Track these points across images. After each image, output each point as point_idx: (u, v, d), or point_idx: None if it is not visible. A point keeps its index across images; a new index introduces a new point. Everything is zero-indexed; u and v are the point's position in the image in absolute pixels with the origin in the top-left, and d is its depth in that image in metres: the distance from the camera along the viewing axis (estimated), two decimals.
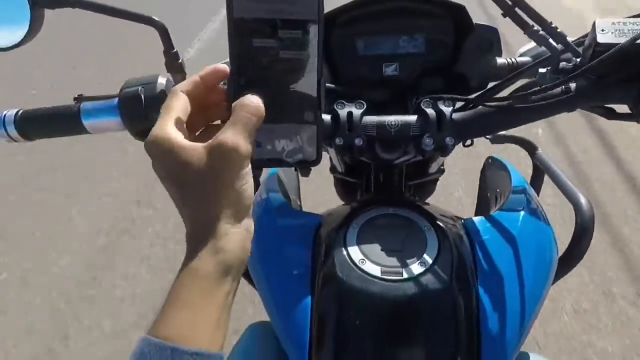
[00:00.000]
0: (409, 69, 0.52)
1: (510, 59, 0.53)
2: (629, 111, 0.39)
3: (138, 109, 0.40)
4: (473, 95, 0.52)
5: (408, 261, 0.40)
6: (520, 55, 0.54)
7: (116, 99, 0.42)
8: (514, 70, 0.50)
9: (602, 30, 0.36)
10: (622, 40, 0.35)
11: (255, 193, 0.57)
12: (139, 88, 0.40)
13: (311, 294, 0.42)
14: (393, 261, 0.40)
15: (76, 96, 0.47)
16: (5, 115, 0.43)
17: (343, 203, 0.63)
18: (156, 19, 0.37)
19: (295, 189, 0.63)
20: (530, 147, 0.65)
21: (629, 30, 0.36)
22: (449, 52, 0.52)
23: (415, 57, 0.52)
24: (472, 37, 0.51)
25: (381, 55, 0.52)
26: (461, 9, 0.49)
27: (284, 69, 0.35)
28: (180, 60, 0.39)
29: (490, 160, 0.68)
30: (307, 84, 0.35)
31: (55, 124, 0.44)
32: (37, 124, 0.44)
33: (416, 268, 0.39)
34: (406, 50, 0.52)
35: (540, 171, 0.65)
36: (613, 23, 0.37)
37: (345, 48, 0.52)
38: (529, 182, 0.64)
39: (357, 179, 0.64)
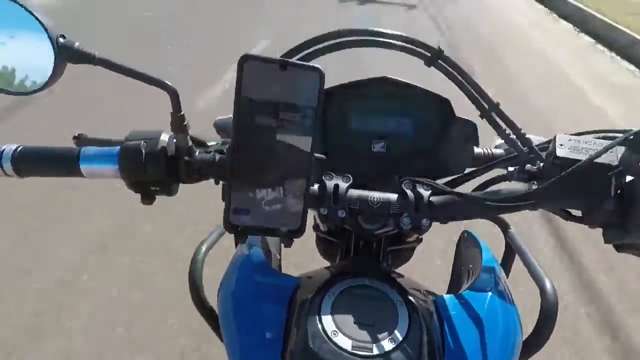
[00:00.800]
0: (395, 148, 0.56)
1: (487, 149, 0.58)
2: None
3: (138, 162, 0.41)
4: (450, 178, 0.56)
5: (379, 336, 0.41)
6: (496, 147, 0.59)
7: (117, 148, 0.43)
8: (489, 160, 0.55)
9: (561, 145, 0.41)
10: (577, 156, 0.40)
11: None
12: (142, 142, 0.41)
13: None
14: (365, 335, 0.41)
15: (76, 135, 0.47)
16: (4, 150, 0.43)
17: (325, 266, 0.64)
18: (169, 83, 0.40)
19: (277, 244, 0.64)
20: (503, 225, 0.69)
21: (582, 148, 0.41)
22: (433, 136, 0.56)
23: (402, 137, 0.56)
24: (454, 127, 0.55)
25: (371, 131, 0.56)
26: (446, 102, 0.54)
27: (281, 144, 0.38)
28: (185, 122, 0.42)
29: (465, 235, 0.71)
30: (300, 159, 0.38)
31: (51, 164, 0.44)
32: (33, 163, 0.43)
33: (387, 344, 0.40)
34: (394, 130, 0.56)
35: (511, 249, 0.68)
36: (570, 140, 0.42)
37: (339, 120, 0.56)
38: (502, 257, 0.68)
39: (339, 239, 0.66)
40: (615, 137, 0.43)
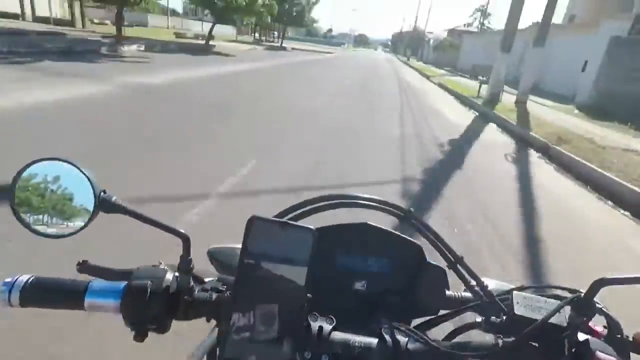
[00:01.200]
0: (375, 287, 0.61)
1: (457, 293, 0.63)
2: None
3: (142, 301, 0.44)
4: (427, 318, 0.61)
5: None
6: (465, 291, 0.65)
7: (123, 284, 0.45)
8: (460, 302, 0.60)
9: (517, 302, 0.48)
10: (532, 314, 0.46)
11: None
12: (148, 282, 0.44)
13: None
14: None
15: (80, 261, 0.48)
16: (17, 280, 0.45)
17: None
18: (182, 231, 0.47)
19: None
20: None
21: (536, 307, 0.47)
22: (408, 278, 0.62)
23: (381, 277, 0.61)
24: (426, 271, 0.62)
25: (353, 271, 0.61)
26: (418, 248, 0.62)
27: (277, 289, 0.43)
28: (191, 265, 0.47)
29: None
30: (292, 304, 0.43)
31: (57, 296, 0.45)
32: (40, 294, 0.45)
33: None
34: (374, 270, 0.62)
35: None
36: (525, 297, 0.49)
37: (325, 260, 0.62)
38: None
39: None
40: (563, 297, 0.50)
